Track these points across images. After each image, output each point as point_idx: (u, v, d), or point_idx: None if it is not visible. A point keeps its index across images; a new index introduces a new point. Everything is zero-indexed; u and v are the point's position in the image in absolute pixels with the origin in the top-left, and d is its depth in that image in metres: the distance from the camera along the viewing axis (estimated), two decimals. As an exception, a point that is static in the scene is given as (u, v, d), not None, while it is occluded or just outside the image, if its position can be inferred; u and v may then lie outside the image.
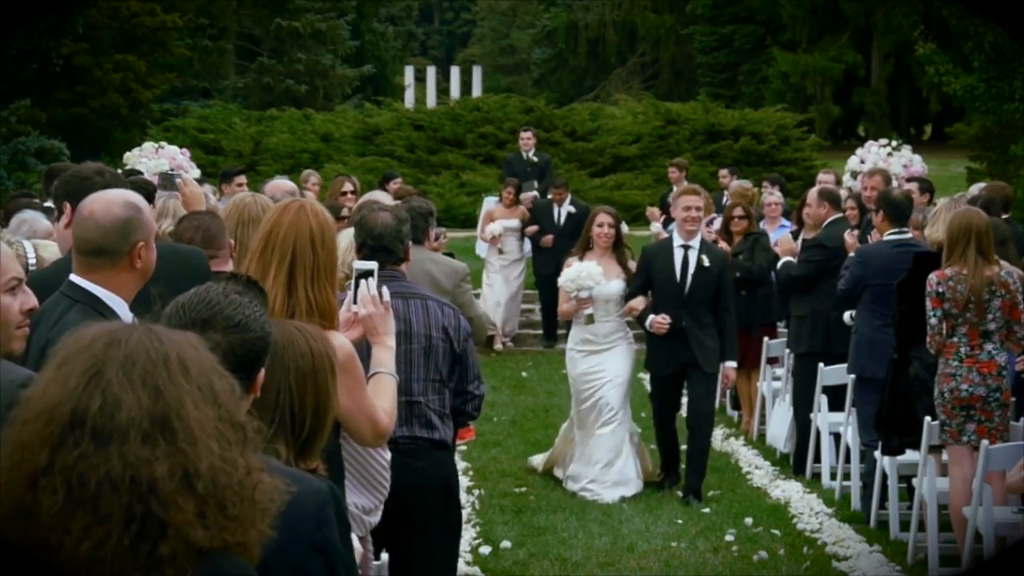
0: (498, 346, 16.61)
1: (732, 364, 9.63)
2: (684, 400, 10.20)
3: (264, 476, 2.04)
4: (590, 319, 9.53)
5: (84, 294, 3.97)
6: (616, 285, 9.52)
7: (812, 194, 10.96)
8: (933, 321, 7.44)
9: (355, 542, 3.75)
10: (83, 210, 4.05)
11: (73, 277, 4.01)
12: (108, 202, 4.01)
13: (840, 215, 10.51)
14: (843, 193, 11.92)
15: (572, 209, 16.52)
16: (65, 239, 4.91)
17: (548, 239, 16.44)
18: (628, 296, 9.51)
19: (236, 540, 1.98)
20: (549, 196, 16.82)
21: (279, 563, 2.59)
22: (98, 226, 3.97)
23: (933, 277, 7.42)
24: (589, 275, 9.35)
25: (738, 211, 11.90)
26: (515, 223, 16.80)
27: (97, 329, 2.01)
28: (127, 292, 4.01)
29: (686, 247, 9.49)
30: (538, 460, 10.39)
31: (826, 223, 10.46)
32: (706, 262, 9.43)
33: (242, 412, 2.06)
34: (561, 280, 9.54)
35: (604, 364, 9.59)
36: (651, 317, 9.41)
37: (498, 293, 16.79)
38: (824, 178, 13.64)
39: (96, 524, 1.87)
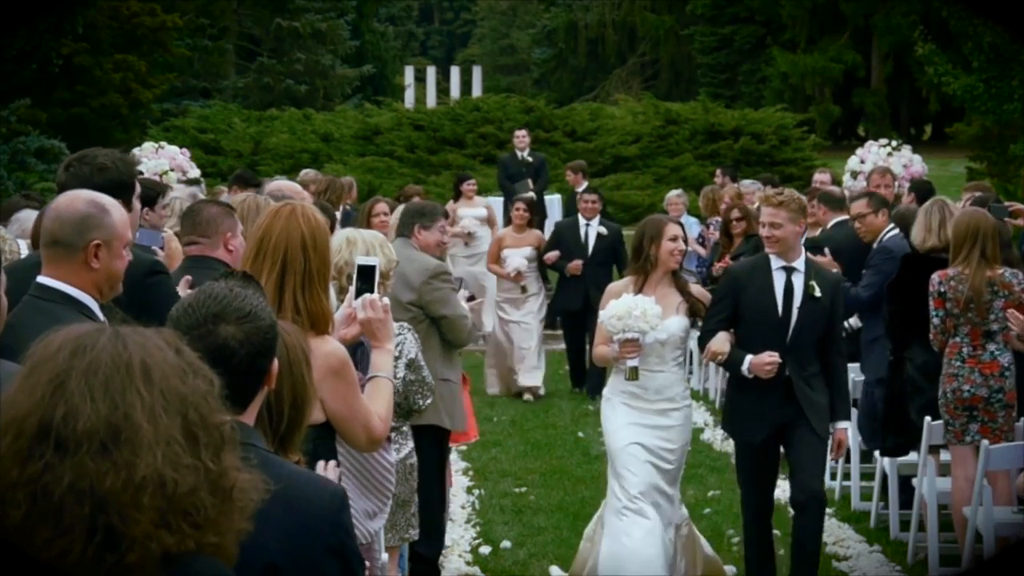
0: (527, 396, 13.37)
1: (845, 425, 7.10)
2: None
3: (241, 475, 2.02)
4: (633, 373, 6.93)
5: (57, 294, 3.96)
6: (676, 323, 7.02)
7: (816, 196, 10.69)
8: (936, 321, 7.43)
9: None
10: (50, 205, 4.11)
11: (41, 278, 4.01)
12: (74, 198, 4.05)
13: (844, 217, 9.97)
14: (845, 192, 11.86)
15: (603, 230, 13.34)
16: None
17: (576, 264, 13.11)
18: (705, 334, 7.06)
19: (209, 541, 1.96)
20: (578, 213, 13.59)
21: (293, 567, 2.57)
22: (57, 217, 4.00)
23: (935, 277, 7.40)
24: (644, 314, 6.80)
25: (735, 213, 11.84)
26: (530, 251, 13.40)
27: (64, 336, 1.98)
28: (92, 291, 4.00)
29: (789, 269, 6.98)
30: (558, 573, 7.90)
31: (830, 225, 10.08)
32: (817, 291, 6.92)
33: (218, 411, 2.02)
34: (603, 316, 6.93)
35: (655, 435, 7.05)
36: (750, 358, 6.87)
37: (519, 340, 13.43)
38: (820, 178, 13.57)
39: (58, 536, 1.85)
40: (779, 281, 6.96)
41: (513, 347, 13.40)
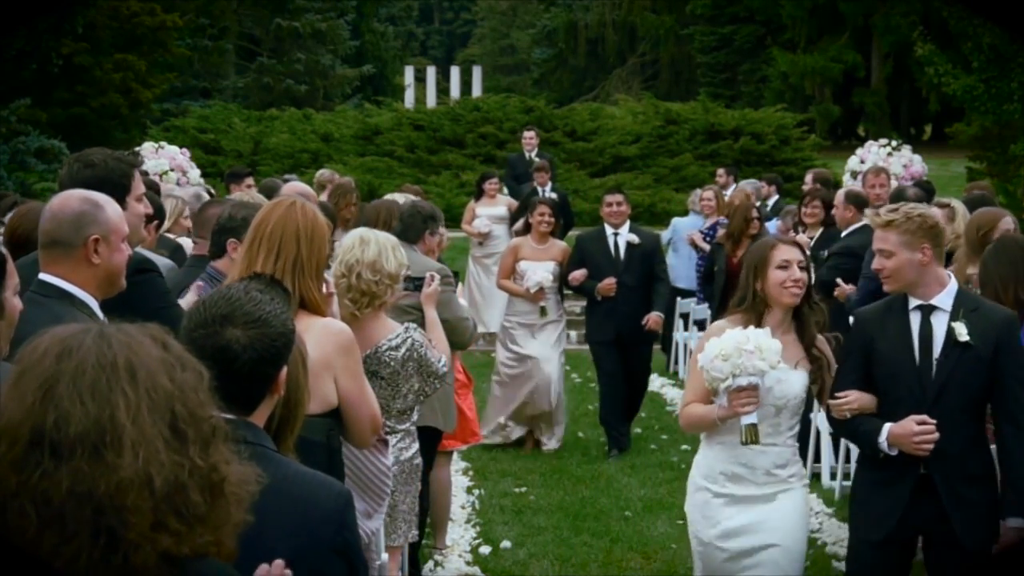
0: (551, 445, 11.04)
1: (1019, 523, 5.16)
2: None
3: (231, 468, 2.02)
4: (752, 434, 5.14)
5: (56, 290, 4.04)
6: (798, 380, 5.36)
7: (840, 196, 10.38)
8: None
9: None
10: (45, 207, 4.20)
11: (42, 275, 4.10)
12: (67, 197, 4.13)
13: (865, 222, 9.92)
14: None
15: (634, 238, 10.74)
16: None
17: (610, 283, 10.57)
18: (823, 391, 5.38)
19: (206, 539, 1.96)
20: (605, 223, 10.82)
21: (298, 566, 2.58)
22: (53, 217, 4.09)
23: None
24: (760, 350, 5.07)
25: (754, 212, 11.79)
26: (554, 267, 10.71)
27: (49, 339, 1.98)
28: (91, 289, 4.07)
29: (927, 308, 5.23)
30: None
31: (852, 228, 9.93)
32: (963, 335, 5.12)
33: (207, 405, 2.02)
34: (704, 360, 5.16)
35: (764, 525, 5.36)
36: (888, 427, 5.13)
37: (544, 372, 10.78)
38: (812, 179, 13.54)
39: (64, 543, 1.86)
40: (915, 325, 5.23)
41: (523, 390, 10.90)
